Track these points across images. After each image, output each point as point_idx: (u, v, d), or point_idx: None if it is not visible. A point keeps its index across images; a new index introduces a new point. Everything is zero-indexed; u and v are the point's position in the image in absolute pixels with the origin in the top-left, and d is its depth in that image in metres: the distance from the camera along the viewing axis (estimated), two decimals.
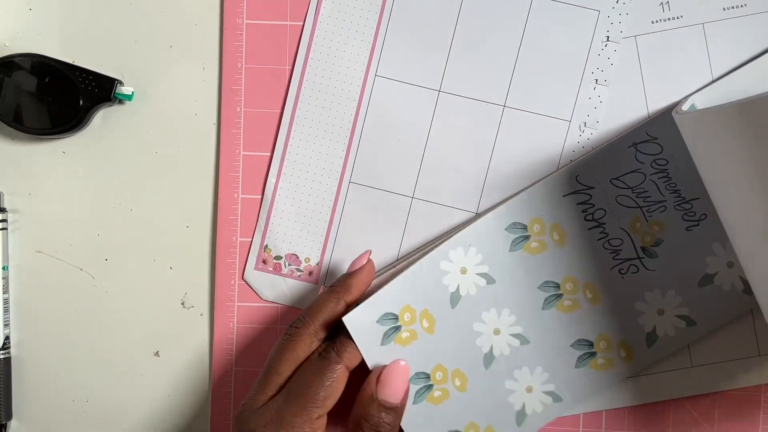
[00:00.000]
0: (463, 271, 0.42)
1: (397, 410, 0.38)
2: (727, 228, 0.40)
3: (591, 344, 0.43)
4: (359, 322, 0.40)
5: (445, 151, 0.44)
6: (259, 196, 0.45)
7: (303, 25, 0.44)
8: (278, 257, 0.45)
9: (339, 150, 0.44)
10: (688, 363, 0.44)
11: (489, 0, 0.43)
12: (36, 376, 0.46)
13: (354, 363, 0.39)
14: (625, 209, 0.43)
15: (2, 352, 0.45)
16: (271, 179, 0.45)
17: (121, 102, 0.45)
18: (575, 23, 0.43)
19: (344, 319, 0.39)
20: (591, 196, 0.43)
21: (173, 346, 0.46)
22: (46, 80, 0.44)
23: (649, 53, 0.43)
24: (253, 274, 0.45)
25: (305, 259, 0.45)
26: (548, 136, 0.44)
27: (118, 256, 0.45)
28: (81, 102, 0.44)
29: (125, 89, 0.44)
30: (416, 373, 0.41)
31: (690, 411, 0.44)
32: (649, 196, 0.43)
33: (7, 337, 0.45)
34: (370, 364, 0.40)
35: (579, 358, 0.43)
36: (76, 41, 0.45)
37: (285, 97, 0.44)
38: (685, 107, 0.41)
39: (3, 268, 0.45)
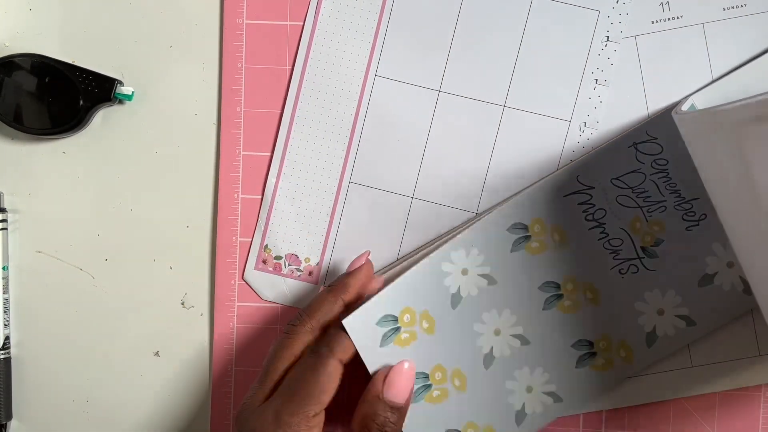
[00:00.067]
0: (465, 272, 0.42)
1: (402, 410, 0.38)
2: (726, 228, 0.40)
3: (591, 344, 0.43)
4: (359, 325, 0.40)
5: (445, 151, 0.44)
6: (259, 196, 0.45)
7: (303, 25, 0.44)
8: (278, 257, 0.45)
9: (339, 150, 0.44)
10: (688, 363, 0.44)
11: (489, 0, 0.43)
12: (36, 376, 0.46)
13: (347, 356, 0.38)
14: (625, 209, 0.43)
15: (2, 352, 0.45)
16: (271, 179, 0.45)
17: (121, 102, 0.45)
18: (575, 23, 0.43)
19: (344, 322, 0.39)
20: (591, 196, 0.43)
21: (173, 346, 0.46)
22: (46, 80, 0.44)
23: (649, 53, 0.43)
24: (253, 274, 0.45)
25: (305, 259, 0.45)
26: (548, 136, 0.44)
27: (118, 256, 0.45)
28: (81, 102, 0.44)
29: (125, 89, 0.44)
30: (415, 373, 0.41)
31: (690, 411, 0.44)
32: (649, 196, 0.43)
33: (7, 337, 0.45)
34: (369, 366, 0.40)
35: (579, 358, 0.43)
36: (76, 41, 0.45)
37: (285, 97, 0.44)
38: (685, 107, 0.41)
39: (3, 268, 0.45)
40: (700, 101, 0.42)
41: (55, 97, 0.44)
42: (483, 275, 0.43)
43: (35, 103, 0.44)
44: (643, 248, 0.43)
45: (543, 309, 0.43)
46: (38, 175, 0.45)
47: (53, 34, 0.45)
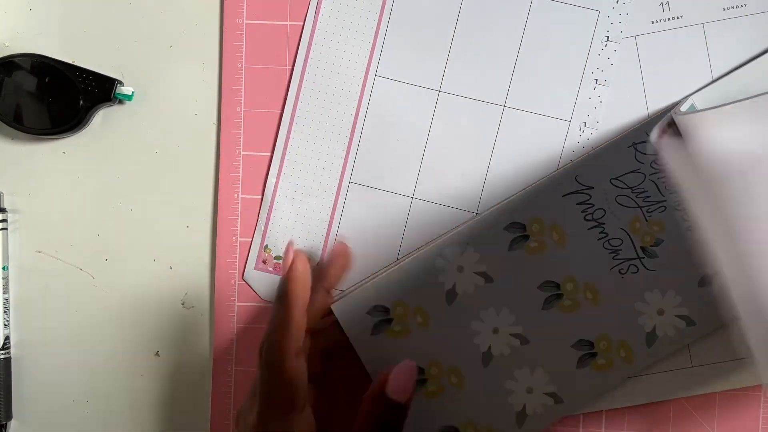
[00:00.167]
0: (460, 269, 0.42)
1: (404, 409, 0.38)
2: (727, 226, 0.41)
3: (592, 345, 0.43)
4: (349, 311, 0.40)
5: (445, 151, 0.44)
6: (259, 196, 0.45)
7: (303, 25, 0.44)
8: (278, 257, 0.45)
9: (339, 150, 0.44)
10: (688, 363, 0.44)
11: (489, 0, 0.43)
12: (36, 376, 0.46)
13: (299, 347, 0.36)
14: (625, 209, 0.43)
15: (2, 352, 0.45)
16: (271, 179, 0.45)
17: (121, 102, 0.45)
18: (575, 23, 0.43)
19: (333, 307, 0.39)
20: (590, 196, 0.43)
21: (173, 346, 0.46)
22: (46, 80, 0.44)
23: (649, 53, 0.43)
24: (253, 274, 0.45)
25: None
26: (548, 136, 0.44)
27: (118, 256, 0.45)
28: (81, 102, 0.44)
29: (125, 89, 0.44)
30: (416, 372, 0.42)
31: (690, 411, 0.44)
32: (649, 196, 0.43)
33: (7, 337, 0.45)
34: (360, 353, 0.41)
35: (580, 358, 0.43)
36: (76, 41, 0.45)
37: (285, 97, 0.44)
38: (685, 107, 0.41)
39: (3, 268, 0.45)
40: (700, 101, 0.42)
41: (55, 97, 0.44)
42: (479, 273, 0.43)
43: (35, 103, 0.44)
44: (642, 248, 0.43)
45: (542, 309, 0.43)
46: (38, 175, 0.45)
47: (53, 34, 0.45)
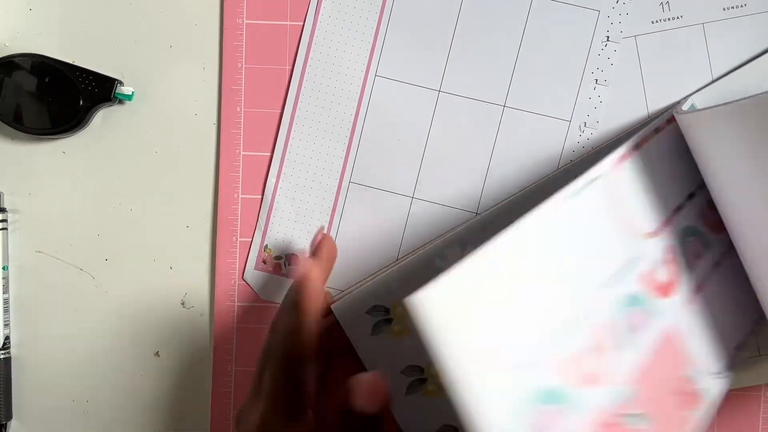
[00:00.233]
0: None
1: (375, 419, 0.35)
2: (727, 225, 0.41)
3: None
4: (348, 311, 0.40)
5: (445, 151, 0.44)
6: (259, 196, 0.45)
7: (303, 25, 0.44)
8: (278, 257, 0.45)
9: (339, 150, 0.44)
10: None
11: (489, 0, 0.43)
12: (36, 376, 0.46)
13: (311, 354, 0.36)
14: None
15: (2, 352, 0.45)
16: (271, 179, 0.45)
17: (121, 102, 0.45)
18: (575, 23, 0.43)
19: (333, 307, 0.39)
20: None
21: (173, 346, 0.46)
22: (46, 80, 0.44)
23: (649, 53, 0.43)
24: (253, 274, 0.45)
25: None
26: (548, 136, 0.44)
27: (118, 256, 0.45)
28: (81, 102, 0.44)
29: (125, 89, 0.44)
30: (409, 366, 0.41)
31: None
32: None
33: (7, 337, 0.45)
34: (360, 353, 0.41)
35: None
36: (76, 41, 0.45)
37: (285, 97, 0.44)
38: (684, 107, 0.41)
39: (3, 268, 0.45)
40: (700, 101, 0.42)
41: (55, 97, 0.44)
42: None
43: (35, 103, 0.44)
44: None
45: None
46: (38, 175, 0.45)
47: (53, 34, 0.45)
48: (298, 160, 0.44)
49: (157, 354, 0.46)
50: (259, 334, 0.45)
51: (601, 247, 0.33)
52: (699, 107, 0.42)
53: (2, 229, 0.45)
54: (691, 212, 0.39)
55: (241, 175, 0.45)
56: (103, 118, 0.45)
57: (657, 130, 0.39)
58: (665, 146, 0.39)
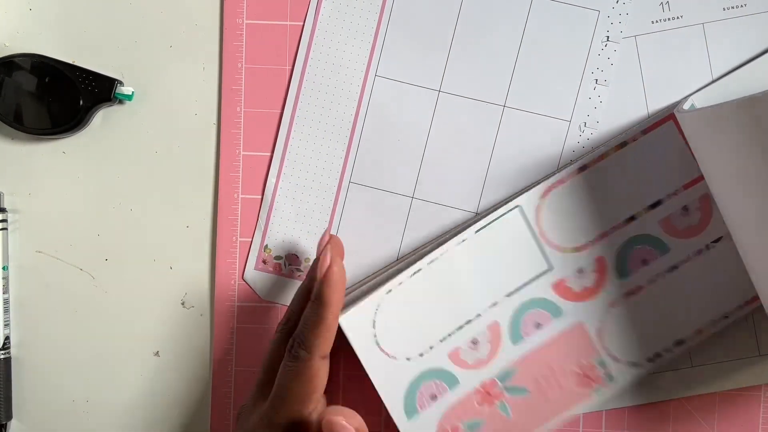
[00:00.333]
0: None
1: None
2: (727, 222, 0.41)
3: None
4: (355, 324, 0.40)
5: (445, 151, 0.44)
6: (259, 196, 0.45)
7: (303, 25, 0.44)
8: (278, 257, 0.45)
9: (339, 150, 0.44)
10: (688, 363, 0.44)
11: (489, 0, 0.43)
12: (36, 376, 0.46)
13: (327, 349, 0.37)
14: None
15: (2, 352, 0.45)
16: (271, 179, 0.45)
17: (121, 102, 0.45)
18: (575, 23, 0.43)
19: (341, 320, 0.39)
20: None
21: (173, 346, 0.46)
22: (46, 80, 0.44)
23: (649, 53, 0.43)
24: (253, 274, 0.45)
25: (305, 259, 0.45)
26: (548, 136, 0.44)
27: (118, 256, 0.45)
28: (81, 102, 0.44)
29: (125, 89, 0.44)
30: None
31: (690, 411, 0.44)
32: None
33: (7, 337, 0.45)
34: (366, 365, 0.41)
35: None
36: (76, 41, 0.45)
37: (285, 97, 0.44)
38: (685, 107, 0.41)
39: (3, 268, 0.45)
40: (700, 101, 0.42)
41: (55, 97, 0.44)
42: None
43: (35, 103, 0.44)
44: None
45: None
46: (38, 175, 0.45)
47: (53, 34, 0.45)
48: (298, 160, 0.44)
49: (157, 354, 0.46)
50: (259, 334, 0.45)
51: (512, 264, 0.42)
52: (699, 107, 0.42)
53: (2, 229, 0.45)
54: (650, 221, 0.42)
55: (241, 175, 0.45)
56: (103, 118, 0.45)
57: (635, 139, 0.42)
58: (639, 154, 0.41)
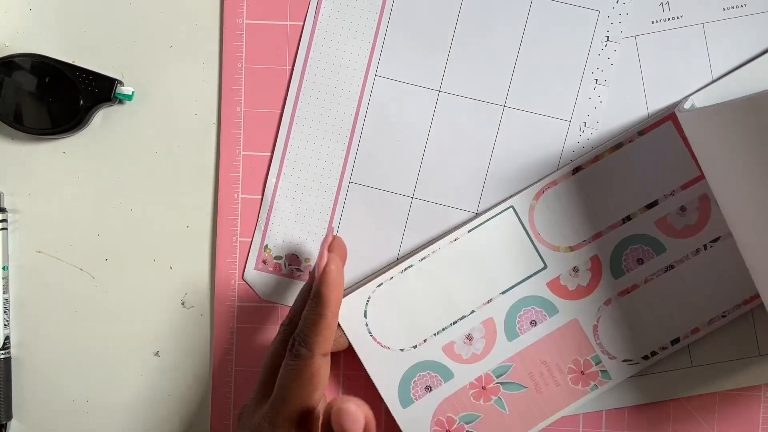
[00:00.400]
0: None
1: None
2: (728, 221, 0.41)
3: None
4: (347, 313, 0.40)
5: (445, 151, 0.44)
6: (259, 196, 0.45)
7: (303, 25, 0.44)
8: (278, 257, 0.45)
9: (339, 150, 0.44)
10: (688, 363, 0.44)
11: (489, 0, 0.43)
12: (36, 376, 0.46)
13: (327, 347, 0.37)
14: None
15: (2, 352, 0.45)
16: (271, 179, 0.45)
17: (121, 102, 0.45)
18: (575, 23, 0.43)
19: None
20: None
21: (173, 346, 0.46)
22: (46, 80, 0.44)
23: (649, 53, 0.43)
24: (253, 274, 0.45)
25: (305, 259, 0.45)
26: (548, 136, 0.44)
27: (118, 256, 0.45)
28: (81, 102, 0.44)
29: (125, 89, 0.44)
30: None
31: (690, 411, 0.44)
32: None
33: (7, 337, 0.45)
34: (360, 353, 0.42)
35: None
36: (76, 41, 0.45)
37: (285, 97, 0.44)
38: (685, 107, 0.41)
39: (3, 268, 0.45)
40: (700, 101, 0.42)
41: (55, 97, 0.44)
42: None
43: (35, 103, 0.44)
44: None
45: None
46: (38, 175, 0.45)
47: (53, 34, 0.45)
48: (298, 160, 0.44)
49: (157, 354, 0.46)
50: (259, 334, 0.45)
51: (506, 262, 0.42)
52: (699, 107, 0.42)
53: (2, 229, 0.45)
54: (647, 221, 0.42)
55: (241, 175, 0.45)
56: (103, 118, 0.45)
57: (631, 140, 0.42)
58: (636, 155, 0.41)
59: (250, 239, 0.45)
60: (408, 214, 0.44)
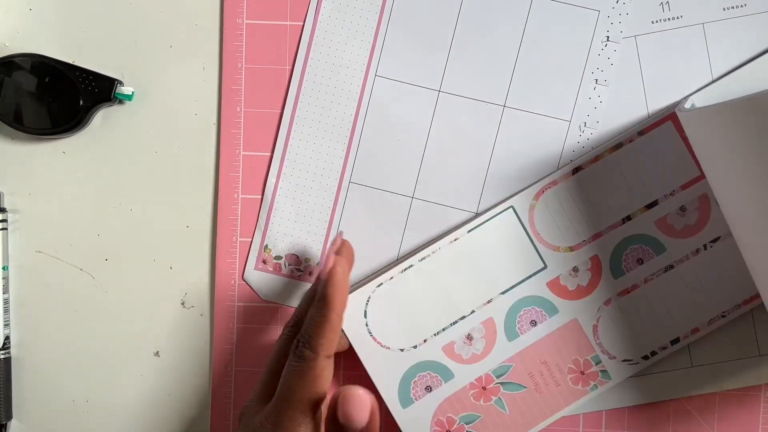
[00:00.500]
0: None
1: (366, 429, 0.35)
2: (728, 220, 0.41)
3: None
4: (347, 311, 0.40)
5: (445, 151, 0.44)
6: (259, 196, 0.45)
7: (303, 25, 0.44)
8: (278, 257, 0.45)
9: (339, 150, 0.44)
10: (688, 363, 0.44)
11: (489, 0, 0.43)
12: (36, 376, 0.46)
13: (331, 349, 0.37)
14: None
15: (2, 352, 0.45)
16: (271, 179, 0.45)
17: (121, 102, 0.45)
18: (575, 23, 0.43)
19: None
20: None
21: (173, 346, 0.46)
22: (46, 80, 0.44)
23: (649, 53, 0.43)
24: (253, 274, 0.45)
25: (305, 259, 0.45)
26: (548, 136, 0.44)
27: (118, 256, 0.45)
28: (81, 102, 0.44)
29: (125, 89, 0.44)
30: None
31: (690, 411, 0.44)
32: None
33: (7, 337, 0.45)
34: (360, 353, 0.42)
35: None
36: (76, 41, 0.45)
37: (285, 97, 0.44)
38: (686, 107, 0.41)
39: (3, 268, 0.45)
40: (700, 101, 0.42)
41: (55, 97, 0.44)
42: None
43: (35, 103, 0.44)
44: None
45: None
46: (38, 175, 0.45)
47: (53, 34, 0.45)
48: (298, 160, 0.44)
49: (157, 354, 0.46)
50: (259, 334, 0.45)
51: (506, 262, 0.42)
52: (699, 107, 0.42)
53: (2, 229, 0.45)
54: (647, 221, 0.42)
55: (241, 175, 0.45)
56: (103, 118, 0.45)
57: (630, 140, 0.42)
58: (636, 155, 0.41)
59: (250, 239, 0.45)
60: (408, 214, 0.44)
